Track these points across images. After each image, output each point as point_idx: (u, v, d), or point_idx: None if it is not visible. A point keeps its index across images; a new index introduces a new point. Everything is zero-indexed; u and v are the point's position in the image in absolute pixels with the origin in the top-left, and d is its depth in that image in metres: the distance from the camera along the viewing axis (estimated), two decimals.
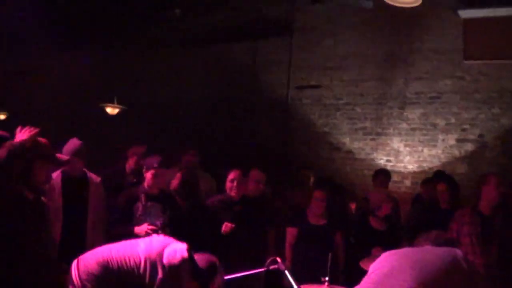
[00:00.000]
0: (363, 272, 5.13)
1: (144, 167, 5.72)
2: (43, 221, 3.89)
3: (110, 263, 3.58)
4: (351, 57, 9.84)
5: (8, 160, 3.62)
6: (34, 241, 3.71)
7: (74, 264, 3.66)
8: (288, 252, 6.29)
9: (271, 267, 4.21)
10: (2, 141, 4.20)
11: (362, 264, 5.21)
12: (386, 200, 6.41)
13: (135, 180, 6.66)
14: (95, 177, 5.76)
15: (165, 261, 3.57)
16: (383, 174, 8.01)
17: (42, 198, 3.94)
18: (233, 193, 6.05)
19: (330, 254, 4.90)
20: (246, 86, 10.69)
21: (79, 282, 3.55)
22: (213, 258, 3.82)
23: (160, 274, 3.53)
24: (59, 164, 4.26)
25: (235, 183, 6.04)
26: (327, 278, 4.67)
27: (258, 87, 10.57)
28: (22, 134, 3.79)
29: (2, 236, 3.55)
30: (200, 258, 3.74)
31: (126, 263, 3.58)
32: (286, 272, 4.13)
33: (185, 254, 3.62)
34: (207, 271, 3.72)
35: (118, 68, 11.66)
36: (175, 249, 3.65)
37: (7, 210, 3.59)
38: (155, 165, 5.61)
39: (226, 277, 3.99)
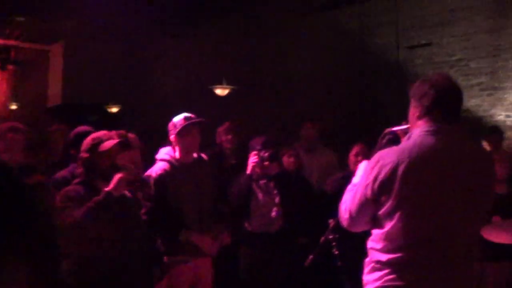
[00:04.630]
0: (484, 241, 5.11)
1: (249, 148, 5.56)
2: None
3: None
4: (459, 10, 9.51)
5: None
6: None
7: None
8: None
9: None
10: (86, 135, 4.37)
11: (483, 233, 5.14)
12: (506, 160, 6.22)
13: (234, 162, 6.64)
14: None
15: None
16: (497, 132, 7.78)
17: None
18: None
19: None
20: (356, 51, 10.61)
21: None
22: None
23: None
24: None
25: (359, 158, 5.65)
26: None
27: (368, 52, 10.47)
28: None
29: None
30: None
31: None
32: None
33: None
34: None
35: (225, 48, 11.85)
36: None
37: None
38: (258, 146, 5.43)
39: None
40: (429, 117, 2.87)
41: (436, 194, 2.77)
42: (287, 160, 6.39)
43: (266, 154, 5.37)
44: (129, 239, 4.04)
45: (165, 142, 5.19)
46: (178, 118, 4.90)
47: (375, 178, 2.79)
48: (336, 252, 4.26)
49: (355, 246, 3.39)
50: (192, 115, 4.91)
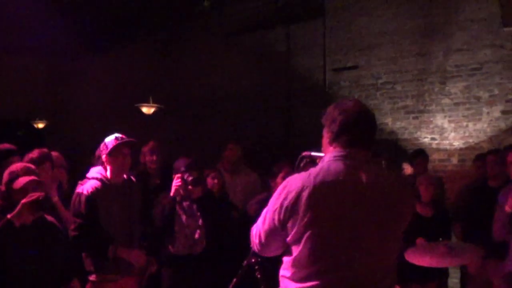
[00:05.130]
0: (408, 264, 5.08)
1: (174, 170, 5.54)
2: None
3: None
4: (386, 34, 9.62)
5: None
6: None
7: None
8: None
9: None
10: (10, 154, 4.28)
11: (407, 256, 5.11)
12: (431, 183, 6.23)
13: (158, 181, 6.58)
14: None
15: None
16: (422, 155, 7.78)
17: None
18: None
19: None
20: (282, 73, 10.56)
21: None
22: None
23: None
24: None
25: None
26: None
27: (295, 74, 10.44)
28: None
29: None
30: None
31: None
32: None
33: None
34: None
35: (152, 67, 11.69)
36: None
37: None
38: (182, 168, 5.41)
39: None
40: (337, 143, 2.82)
41: (341, 220, 2.68)
42: (211, 182, 6.31)
43: (190, 178, 5.34)
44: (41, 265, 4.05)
45: (90, 159, 5.18)
46: (110, 139, 4.84)
47: (281, 204, 2.71)
48: (259, 276, 4.10)
49: (278, 269, 3.24)
50: (123, 136, 4.87)
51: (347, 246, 2.66)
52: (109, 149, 4.78)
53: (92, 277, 4.80)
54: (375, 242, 2.70)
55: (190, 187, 5.36)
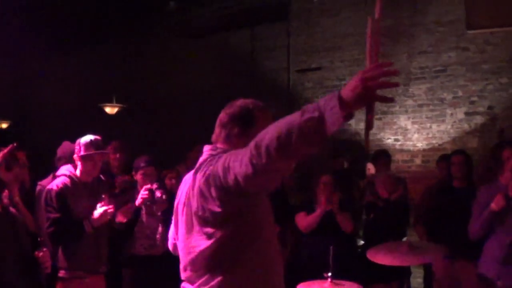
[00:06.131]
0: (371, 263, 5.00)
1: (133, 169, 5.71)
2: None
3: None
4: (351, 36, 9.56)
5: None
6: None
7: None
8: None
9: None
10: None
11: (369, 255, 5.06)
12: (393, 184, 6.36)
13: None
14: None
15: None
16: (384, 156, 7.71)
17: None
18: None
19: (331, 247, 4.83)
20: (247, 74, 10.45)
21: None
22: None
23: None
24: None
25: None
26: (329, 274, 4.64)
27: (259, 75, 10.33)
28: None
29: None
30: None
31: None
32: None
33: None
34: None
35: (115, 67, 11.52)
36: None
37: None
38: (142, 164, 5.57)
39: None
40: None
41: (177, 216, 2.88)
42: (169, 182, 6.34)
43: (159, 195, 5.50)
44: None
45: (53, 160, 5.37)
46: (85, 141, 4.83)
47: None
48: None
49: None
50: (99, 139, 4.89)
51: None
52: (82, 153, 4.79)
53: (61, 273, 4.78)
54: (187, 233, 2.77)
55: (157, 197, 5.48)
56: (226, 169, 2.37)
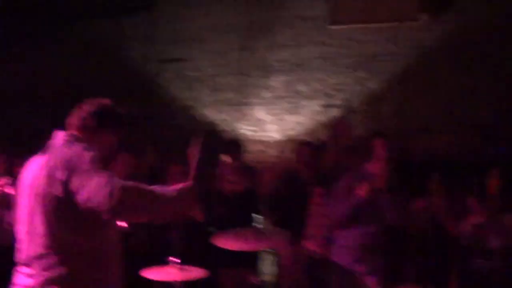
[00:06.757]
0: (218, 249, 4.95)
1: None
2: None
3: None
4: (213, 28, 9.53)
5: None
6: None
7: None
8: None
9: None
10: None
11: (216, 241, 5.05)
12: (242, 173, 6.66)
13: None
14: None
15: None
16: (235, 146, 7.74)
17: None
18: None
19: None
20: (113, 64, 10.12)
21: None
22: None
23: None
24: None
25: None
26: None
27: (120, 64, 10.03)
28: None
29: None
30: None
31: None
32: None
33: None
34: None
35: None
36: None
37: None
38: None
39: None
40: None
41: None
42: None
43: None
44: None
45: None
46: None
47: None
48: None
49: None
50: None
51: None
52: None
53: None
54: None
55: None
56: (82, 186, 2.57)
